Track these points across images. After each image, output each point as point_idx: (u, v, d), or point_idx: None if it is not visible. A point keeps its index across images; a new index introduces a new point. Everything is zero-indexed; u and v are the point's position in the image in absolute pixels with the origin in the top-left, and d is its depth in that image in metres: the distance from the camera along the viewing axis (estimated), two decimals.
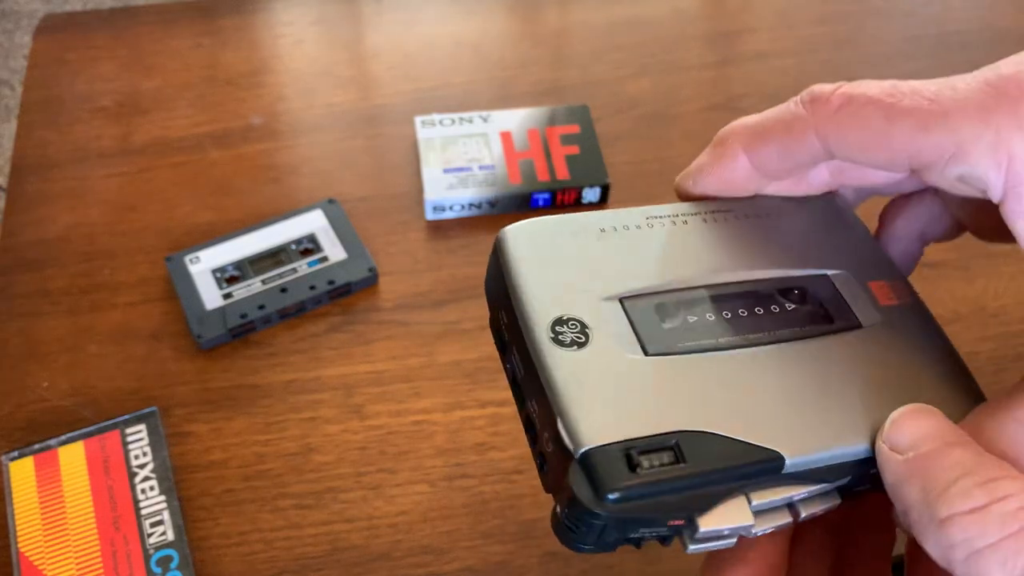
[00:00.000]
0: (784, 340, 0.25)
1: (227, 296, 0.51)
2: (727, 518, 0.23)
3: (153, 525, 0.44)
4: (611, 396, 0.23)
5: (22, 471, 0.45)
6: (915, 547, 0.24)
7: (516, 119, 0.60)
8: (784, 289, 0.27)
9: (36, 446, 0.46)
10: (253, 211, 0.56)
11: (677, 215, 0.28)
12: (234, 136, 0.61)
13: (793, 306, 0.26)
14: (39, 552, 0.43)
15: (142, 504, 0.44)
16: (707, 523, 0.23)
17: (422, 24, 0.69)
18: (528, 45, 0.68)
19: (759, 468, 0.23)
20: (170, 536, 0.43)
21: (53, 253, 0.55)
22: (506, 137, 0.59)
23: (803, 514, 0.24)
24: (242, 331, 0.51)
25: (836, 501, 0.25)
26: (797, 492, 0.24)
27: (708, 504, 0.23)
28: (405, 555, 0.43)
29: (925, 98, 0.23)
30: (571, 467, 0.22)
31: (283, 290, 0.52)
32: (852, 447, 0.24)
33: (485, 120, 0.60)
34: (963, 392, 0.25)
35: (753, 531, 0.24)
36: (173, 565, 0.43)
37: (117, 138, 0.61)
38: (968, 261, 0.53)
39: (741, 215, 0.28)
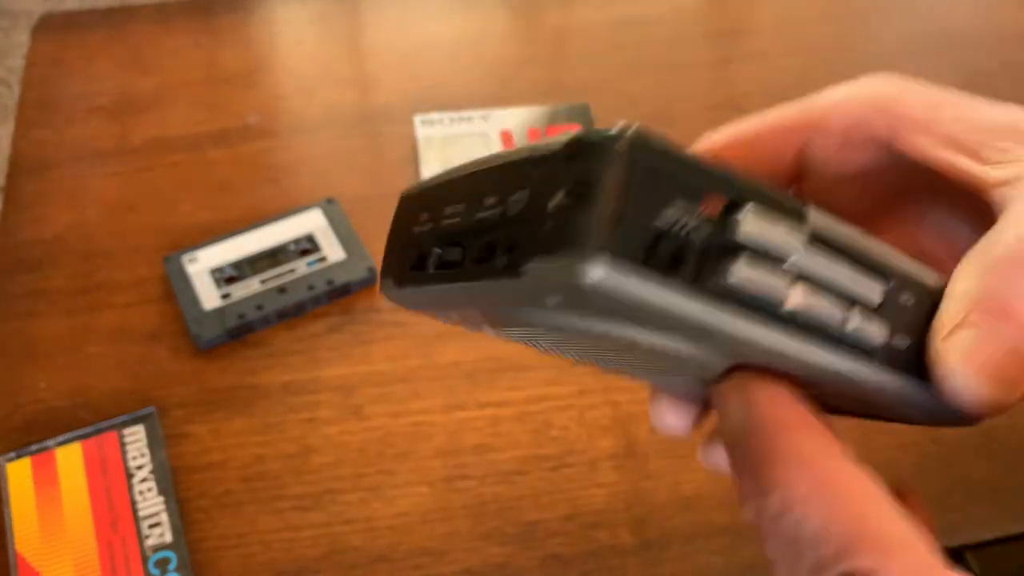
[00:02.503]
0: None
1: (225, 296, 0.51)
2: (776, 228, 0.17)
3: (151, 527, 0.44)
4: None
5: (19, 472, 0.45)
6: None
7: (516, 118, 0.60)
8: None
9: (33, 447, 0.46)
10: (251, 211, 0.56)
11: None
12: (232, 135, 0.61)
13: None
14: (36, 554, 0.43)
15: (140, 505, 0.44)
16: (752, 222, 0.17)
17: (422, 22, 0.69)
18: (528, 43, 0.68)
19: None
20: (168, 538, 0.43)
21: (50, 253, 0.55)
22: (506, 136, 0.59)
23: (850, 325, 0.19)
24: (240, 331, 0.50)
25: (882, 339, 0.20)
26: (848, 275, 0.19)
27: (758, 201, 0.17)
28: (404, 557, 0.43)
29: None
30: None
31: (282, 290, 0.51)
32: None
33: (485, 119, 0.59)
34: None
35: (791, 299, 0.18)
36: (171, 567, 0.42)
37: (115, 137, 0.61)
38: None
39: None
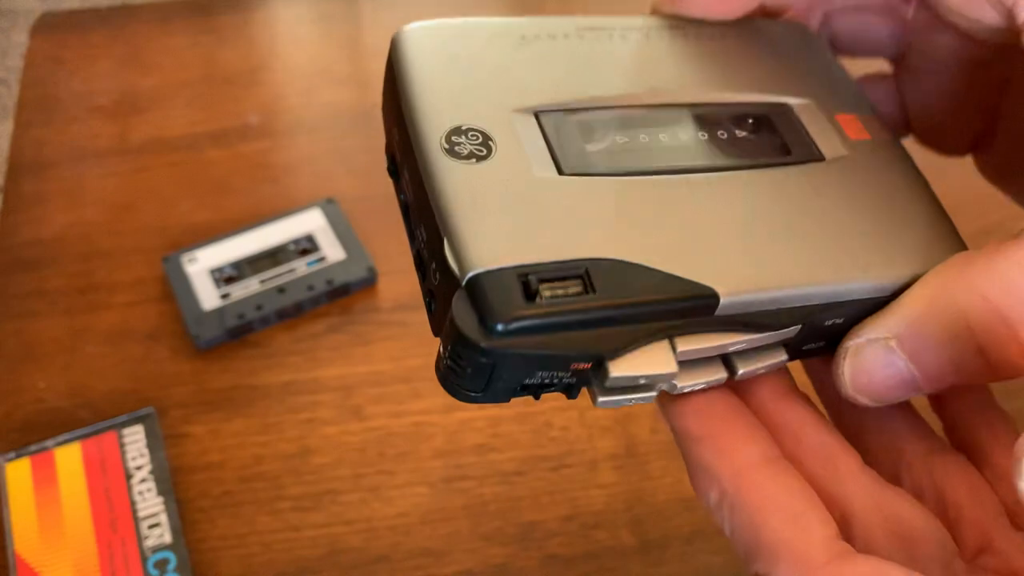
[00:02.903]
0: (730, 168, 0.21)
1: (225, 296, 0.51)
2: (644, 364, 0.19)
3: (150, 527, 0.44)
4: (511, 215, 0.19)
5: (18, 473, 0.45)
6: None
7: None
8: (736, 116, 0.23)
9: (32, 447, 0.46)
10: (251, 210, 0.56)
11: (616, 28, 0.23)
12: (232, 135, 0.61)
13: (744, 134, 0.23)
14: (36, 554, 0.43)
15: (139, 506, 0.44)
16: (620, 368, 0.19)
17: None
18: None
19: (686, 306, 0.19)
20: (167, 538, 0.43)
21: (49, 253, 0.55)
22: None
23: (740, 371, 0.20)
24: (240, 332, 0.50)
25: (782, 358, 0.21)
26: (733, 341, 0.20)
27: (622, 347, 0.19)
28: (404, 557, 0.43)
29: None
30: (456, 295, 0.18)
31: (281, 290, 0.51)
32: (803, 289, 0.20)
33: None
34: (939, 237, 0.22)
35: (677, 386, 0.20)
36: (171, 567, 0.42)
37: (114, 137, 0.61)
38: None
39: (692, 33, 0.24)
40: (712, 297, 0.19)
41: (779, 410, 0.23)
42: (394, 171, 0.22)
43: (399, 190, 0.22)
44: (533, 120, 0.21)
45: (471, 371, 0.18)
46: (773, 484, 0.20)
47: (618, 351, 0.19)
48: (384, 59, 0.22)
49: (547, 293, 0.18)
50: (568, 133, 0.21)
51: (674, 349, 0.19)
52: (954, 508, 0.22)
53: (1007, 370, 0.19)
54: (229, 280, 0.52)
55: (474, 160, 0.20)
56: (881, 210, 0.22)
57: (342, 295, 0.52)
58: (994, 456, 0.22)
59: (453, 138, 0.20)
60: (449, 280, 0.19)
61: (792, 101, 0.24)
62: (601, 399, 0.19)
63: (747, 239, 0.20)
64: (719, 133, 0.22)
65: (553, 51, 0.22)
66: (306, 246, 0.53)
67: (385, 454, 0.46)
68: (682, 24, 0.24)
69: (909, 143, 0.26)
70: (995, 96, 0.25)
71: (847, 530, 0.21)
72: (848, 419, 0.24)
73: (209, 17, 0.69)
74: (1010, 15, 0.21)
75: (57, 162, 0.59)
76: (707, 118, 0.23)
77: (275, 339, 0.51)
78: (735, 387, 0.22)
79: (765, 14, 0.26)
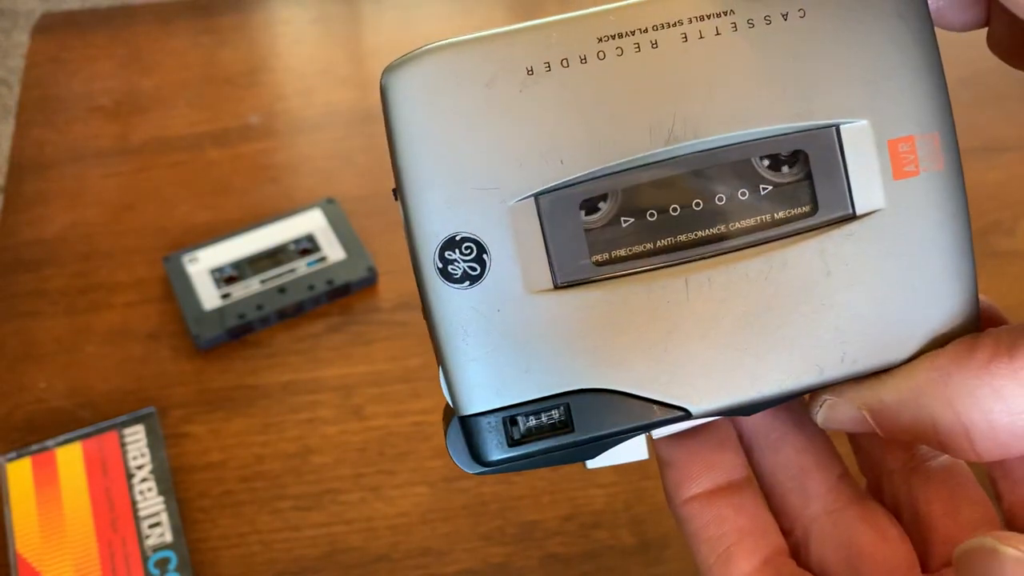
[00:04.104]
0: (739, 248, 0.21)
1: (225, 296, 0.51)
2: (621, 456, 0.21)
3: (151, 526, 0.44)
4: (501, 353, 0.20)
5: (20, 472, 0.45)
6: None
7: None
8: (767, 155, 0.21)
9: (34, 447, 0.46)
10: (251, 211, 0.56)
11: (647, 30, 0.20)
12: (232, 135, 0.61)
13: (769, 185, 0.21)
14: (36, 554, 0.43)
15: (140, 505, 0.44)
16: (598, 463, 0.21)
17: (421, 22, 0.69)
18: None
19: (660, 423, 0.21)
20: (168, 537, 0.43)
21: (50, 253, 0.55)
22: None
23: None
24: (240, 331, 0.50)
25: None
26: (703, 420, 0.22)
27: (602, 450, 0.21)
28: (404, 557, 0.43)
29: None
30: (451, 423, 0.21)
31: (281, 290, 0.51)
32: (784, 391, 0.21)
33: None
34: (951, 316, 0.21)
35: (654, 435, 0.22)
36: (171, 567, 0.42)
37: (115, 137, 0.61)
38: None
39: (744, 22, 0.20)
40: (685, 414, 0.21)
41: (767, 417, 0.23)
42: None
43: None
44: (532, 210, 0.20)
45: (470, 471, 0.21)
46: (710, 514, 0.22)
47: (597, 454, 0.21)
48: (384, 60, 0.22)
49: (530, 431, 0.20)
50: (568, 222, 0.20)
51: (650, 437, 0.22)
52: (925, 522, 0.23)
53: (957, 456, 0.21)
54: (230, 280, 0.52)
55: (467, 284, 0.20)
56: (894, 288, 0.21)
57: (342, 295, 0.52)
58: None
59: (447, 254, 0.20)
60: (447, 405, 0.21)
61: (843, 122, 0.21)
62: (590, 464, 0.22)
63: (732, 348, 0.21)
64: (739, 193, 0.21)
65: (562, 91, 0.20)
66: (306, 246, 0.53)
67: (385, 454, 0.46)
68: (737, 4, 0.21)
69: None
70: None
71: (803, 550, 0.23)
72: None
73: (209, 17, 0.69)
74: None
75: (58, 162, 0.59)
76: (728, 170, 0.21)
77: (275, 339, 0.51)
78: None
79: None
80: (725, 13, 0.20)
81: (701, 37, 0.20)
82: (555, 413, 0.20)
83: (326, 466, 0.46)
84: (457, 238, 0.20)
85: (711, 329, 0.21)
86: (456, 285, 0.20)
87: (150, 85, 0.64)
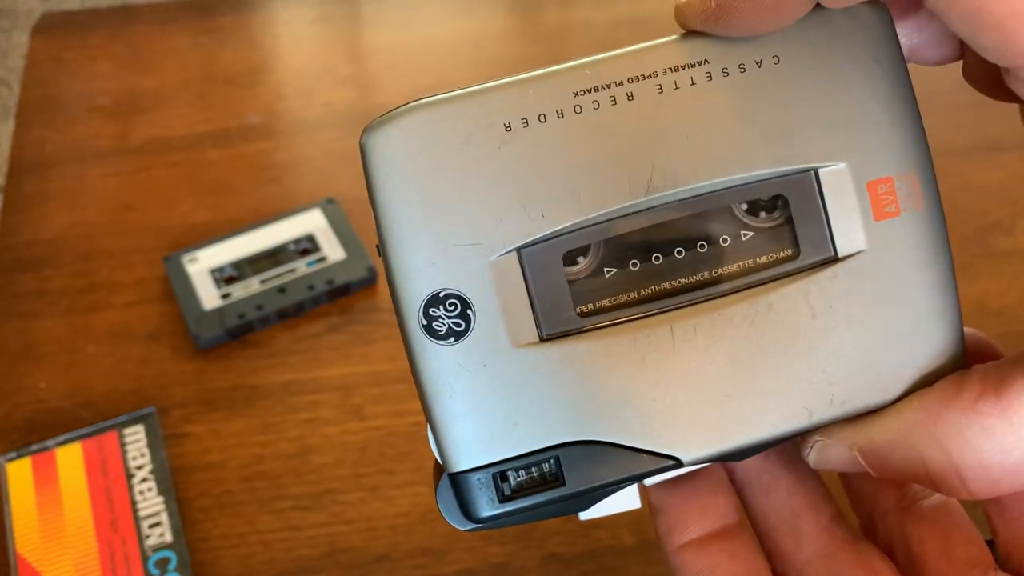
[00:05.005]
0: (723, 295, 0.21)
1: (225, 296, 0.51)
2: (614, 506, 0.22)
3: (151, 526, 0.44)
4: (487, 406, 0.20)
5: (19, 472, 0.45)
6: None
7: None
8: (747, 202, 0.21)
9: (33, 447, 0.46)
10: (251, 211, 0.56)
11: (623, 83, 0.21)
12: (232, 135, 0.61)
13: (751, 232, 0.22)
14: (36, 554, 0.43)
15: (140, 505, 0.44)
16: (590, 514, 0.21)
17: (421, 22, 0.69)
18: (528, 44, 0.68)
19: (651, 472, 0.21)
20: (168, 537, 0.43)
21: (50, 253, 0.55)
22: None
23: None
24: (240, 331, 0.50)
25: None
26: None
27: (594, 502, 0.21)
28: (404, 557, 0.43)
29: None
30: (441, 480, 0.21)
31: (281, 290, 0.51)
32: (768, 435, 0.21)
33: None
34: (937, 355, 0.21)
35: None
36: (171, 567, 0.42)
37: (115, 137, 0.61)
38: (971, 260, 0.53)
39: (719, 71, 0.21)
40: (676, 463, 0.21)
41: (758, 459, 0.24)
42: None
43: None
44: (515, 264, 0.20)
45: (461, 529, 0.22)
46: (703, 562, 0.22)
47: (589, 506, 0.21)
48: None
49: (521, 485, 0.20)
50: (552, 275, 0.21)
51: (643, 485, 0.22)
52: (919, 561, 0.23)
53: (949, 495, 0.21)
54: (230, 280, 0.52)
55: (452, 340, 0.20)
56: (879, 329, 0.21)
57: (342, 295, 0.52)
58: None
59: (431, 311, 0.20)
60: (436, 464, 0.21)
61: (822, 166, 0.21)
62: (583, 517, 0.22)
63: (720, 395, 0.21)
64: (721, 239, 0.21)
65: (539, 147, 0.20)
66: (306, 246, 0.53)
67: (385, 454, 0.46)
68: (707, 48, 0.21)
69: None
70: None
71: None
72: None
73: (209, 17, 0.69)
74: None
75: (58, 162, 0.59)
76: (708, 218, 0.21)
77: (275, 339, 0.51)
78: None
79: None
80: (700, 63, 0.21)
81: (676, 88, 0.21)
82: (545, 467, 0.20)
83: (326, 466, 0.46)
84: (441, 295, 0.20)
85: (698, 377, 0.21)
86: (441, 342, 0.20)
87: (150, 85, 0.64)
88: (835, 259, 0.21)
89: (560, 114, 0.20)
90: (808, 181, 0.21)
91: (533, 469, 0.20)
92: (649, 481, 0.22)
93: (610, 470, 0.20)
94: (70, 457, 0.46)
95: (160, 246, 0.54)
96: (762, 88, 0.21)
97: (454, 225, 0.20)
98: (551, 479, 0.20)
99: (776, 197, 0.21)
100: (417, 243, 0.20)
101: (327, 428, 0.47)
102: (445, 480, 0.21)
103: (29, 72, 0.65)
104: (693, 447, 0.21)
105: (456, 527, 0.21)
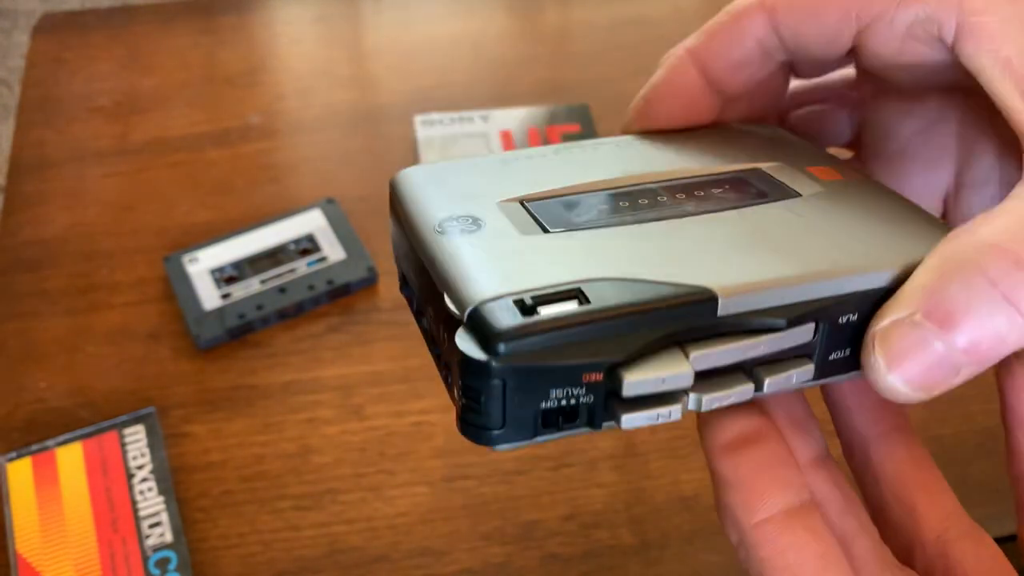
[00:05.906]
0: (711, 211, 0.22)
1: (225, 296, 0.51)
2: (657, 368, 0.19)
3: (151, 526, 0.44)
4: (503, 263, 0.20)
5: (20, 472, 0.45)
6: None
7: (516, 118, 0.60)
8: (712, 182, 0.24)
9: (34, 447, 0.46)
10: (251, 211, 0.56)
11: (591, 144, 0.26)
12: (232, 135, 0.61)
13: (721, 191, 0.24)
14: (37, 553, 0.43)
15: (140, 505, 0.44)
16: (633, 375, 0.19)
17: (421, 23, 0.69)
18: (528, 43, 0.68)
19: (685, 310, 0.19)
20: (168, 537, 0.43)
21: (51, 253, 0.55)
22: (506, 136, 0.59)
23: (766, 382, 0.20)
24: (240, 331, 0.50)
25: (807, 367, 0.21)
26: (747, 345, 0.20)
27: (630, 356, 0.19)
28: (404, 556, 0.43)
29: None
30: (459, 332, 0.19)
31: (282, 290, 0.51)
32: (803, 284, 0.20)
33: (485, 119, 0.59)
34: (935, 229, 0.22)
35: (703, 402, 0.20)
36: (171, 566, 0.42)
37: (115, 137, 0.61)
38: None
39: (663, 137, 0.26)
40: (711, 298, 0.19)
41: (807, 477, 0.23)
42: (413, 307, 0.23)
43: (419, 319, 0.23)
44: (519, 205, 0.23)
45: (485, 400, 0.19)
46: (786, 540, 0.21)
47: (628, 361, 0.19)
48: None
49: (544, 311, 0.19)
50: (552, 208, 0.23)
51: (687, 355, 0.19)
52: None
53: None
54: (230, 280, 0.52)
55: (464, 234, 0.21)
56: (870, 218, 0.22)
57: (342, 295, 0.52)
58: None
59: (445, 224, 0.22)
60: (454, 328, 0.19)
61: (763, 165, 0.25)
62: (625, 417, 0.19)
63: (738, 250, 0.21)
64: (697, 193, 0.24)
65: (532, 164, 0.25)
66: (306, 246, 0.53)
67: (385, 454, 0.46)
68: (653, 134, 0.26)
69: None
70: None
71: None
72: (870, 491, 0.24)
73: (210, 18, 0.69)
74: (951, 50, 0.22)
75: (58, 162, 0.59)
76: (684, 186, 0.24)
77: (275, 339, 0.51)
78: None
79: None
80: (653, 135, 0.26)
81: (638, 139, 0.27)
82: (569, 298, 0.19)
83: (326, 466, 0.46)
84: (455, 215, 0.22)
85: (711, 244, 0.21)
86: (455, 235, 0.21)
87: (150, 85, 0.64)
88: (799, 195, 0.23)
89: (544, 156, 0.25)
90: (757, 170, 0.25)
91: (556, 296, 0.19)
92: (694, 353, 0.19)
93: (638, 295, 0.19)
94: (70, 457, 0.46)
95: (160, 246, 0.55)
96: (704, 139, 0.26)
97: (465, 187, 0.23)
98: (576, 297, 0.19)
99: (734, 180, 0.24)
100: (432, 197, 0.23)
101: (327, 428, 0.47)
102: (464, 327, 0.19)
103: (29, 72, 0.65)
104: (727, 283, 0.19)
105: (482, 361, 0.18)
